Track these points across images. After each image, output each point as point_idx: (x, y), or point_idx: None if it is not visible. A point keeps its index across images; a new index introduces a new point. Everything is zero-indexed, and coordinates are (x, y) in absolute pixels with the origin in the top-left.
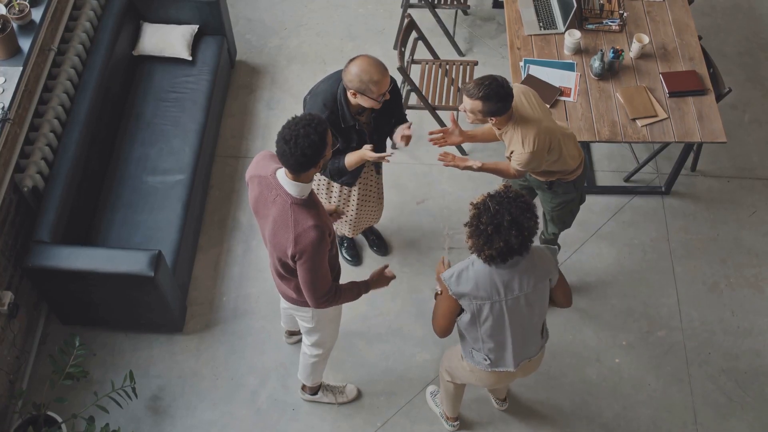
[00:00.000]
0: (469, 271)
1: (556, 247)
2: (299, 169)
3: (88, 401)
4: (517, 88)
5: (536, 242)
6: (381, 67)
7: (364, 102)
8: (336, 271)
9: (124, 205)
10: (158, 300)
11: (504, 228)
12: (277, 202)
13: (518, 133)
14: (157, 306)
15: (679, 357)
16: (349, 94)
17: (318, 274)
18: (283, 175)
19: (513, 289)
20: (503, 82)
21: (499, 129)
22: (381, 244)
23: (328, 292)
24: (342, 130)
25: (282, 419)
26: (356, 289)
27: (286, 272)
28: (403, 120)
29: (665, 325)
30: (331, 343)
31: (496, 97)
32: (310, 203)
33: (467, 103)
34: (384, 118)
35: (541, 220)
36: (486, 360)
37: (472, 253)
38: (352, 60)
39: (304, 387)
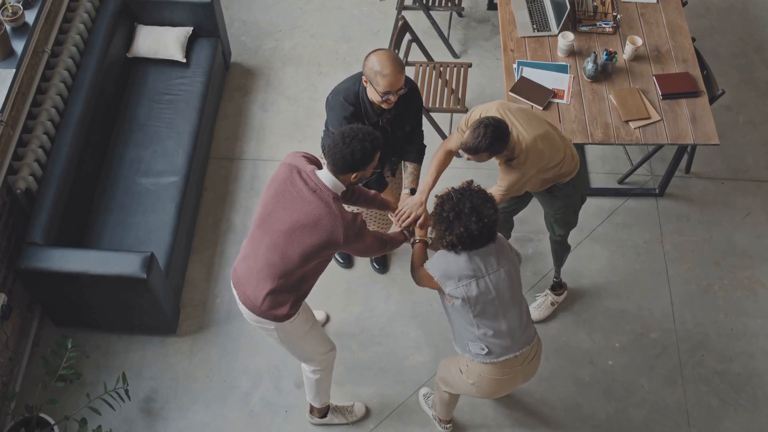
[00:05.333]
0: (448, 255)
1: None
2: (342, 167)
3: (81, 403)
4: (496, 108)
5: (541, 244)
6: (396, 65)
7: (371, 94)
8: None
9: (118, 207)
10: (151, 302)
11: (464, 215)
12: (318, 195)
13: (515, 151)
14: (150, 308)
15: (673, 359)
16: (363, 82)
17: (367, 244)
18: (325, 172)
19: (492, 264)
20: (493, 120)
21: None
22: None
23: (381, 246)
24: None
25: (275, 421)
26: (399, 239)
27: (297, 262)
28: (418, 132)
29: (658, 327)
30: (322, 357)
31: (499, 139)
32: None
33: (472, 158)
34: (399, 121)
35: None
36: (483, 349)
37: (436, 243)
38: (375, 50)
39: (312, 411)
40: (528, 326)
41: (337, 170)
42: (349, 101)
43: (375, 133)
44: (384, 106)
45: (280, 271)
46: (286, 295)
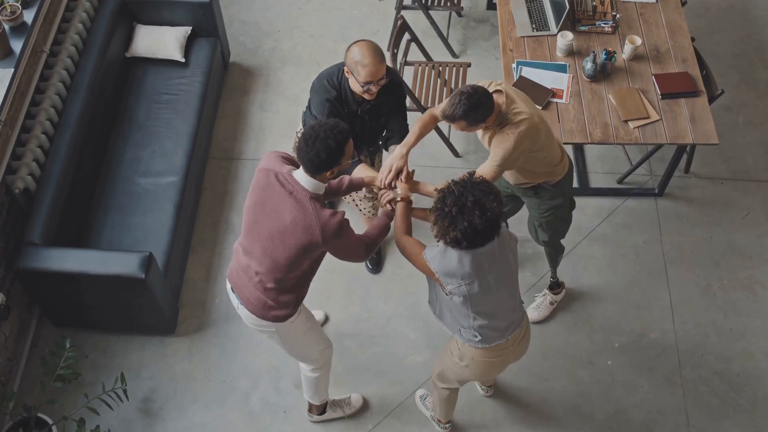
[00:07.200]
0: (452, 253)
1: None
2: (312, 169)
3: (79, 403)
4: (499, 82)
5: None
6: (376, 55)
7: (353, 85)
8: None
9: (116, 207)
10: (150, 302)
11: (467, 209)
12: (294, 196)
13: (508, 126)
14: (148, 308)
15: (672, 359)
16: (345, 73)
17: (350, 244)
18: (301, 172)
19: (495, 260)
20: (471, 89)
21: (489, 131)
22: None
23: (365, 250)
24: (346, 114)
25: (274, 421)
26: (383, 226)
27: (287, 265)
28: (399, 118)
29: (658, 328)
30: (320, 355)
31: (474, 106)
32: (323, 201)
33: (453, 126)
34: (376, 112)
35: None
36: (476, 336)
37: (438, 240)
38: (357, 41)
39: (311, 409)
40: (519, 310)
41: (309, 172)
42: (333, 85)
43: (338, 126)
44: (366, 96)
45: (275, 275)
46: (286, 297)
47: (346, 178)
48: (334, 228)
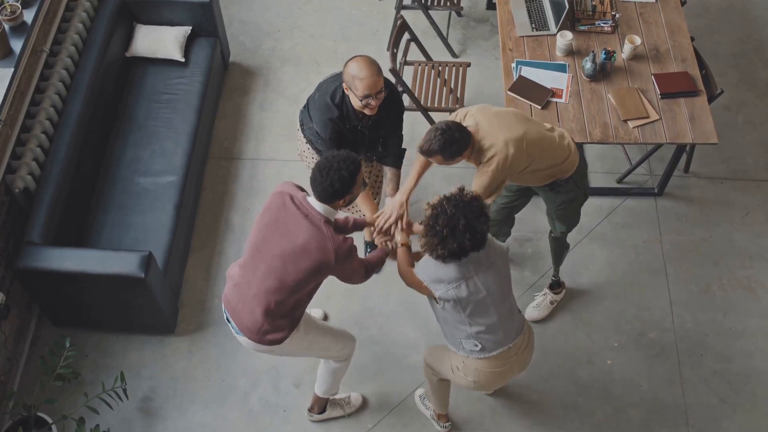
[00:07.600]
0: (437, 260)
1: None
2: (326, 198)
3: (79, 402)
4: (473, 111)
5: (540, 243)
6: (372, 68)
7: (353, 101)
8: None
9: (116, 207)
10: (149, 301)
11: (459, 231)
12: (310, 219)
13: (483, 155)
14: (148, 307)
15: (671, 359)
16: (345, 90)
17: (354, 268)
18: (314, 198)
19: (480, 264)
20: (445, 125)
21: (471, 160)
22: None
23: (365, 273)
24: (348, 130)
25: (274, 421)
26: (380, 257)
27: (292, 287)
28: (395, 138)
29: (657, 327)
30: (339, 354)
31: (448, 142)
32: (335, 226)
33: (434, 161)
34: (376, 127)
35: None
36: (477, 346)
37: (424, 251)
38: (352, 57)
39: (311, 408)
40: (516, 315)
41: (323, 200)
42: (336, 103)
43: (350, 157)
44: (366, 111)
45: (276, 297)
46: (281, 321)
47: (351, 218)
48: (345, 251)
